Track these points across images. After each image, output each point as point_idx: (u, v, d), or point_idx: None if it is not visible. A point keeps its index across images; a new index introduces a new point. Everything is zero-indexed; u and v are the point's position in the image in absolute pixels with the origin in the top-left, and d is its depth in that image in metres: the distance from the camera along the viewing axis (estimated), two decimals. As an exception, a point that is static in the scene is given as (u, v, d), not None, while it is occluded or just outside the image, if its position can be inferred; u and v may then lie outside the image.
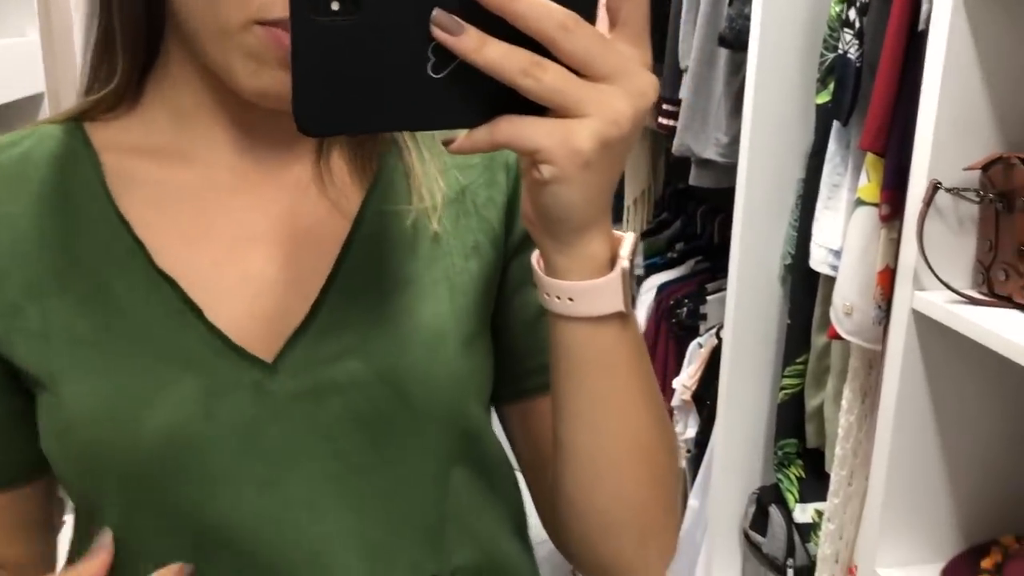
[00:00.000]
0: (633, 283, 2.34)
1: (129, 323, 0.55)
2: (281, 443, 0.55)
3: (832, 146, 1.32)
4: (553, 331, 0.52)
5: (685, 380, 1.80)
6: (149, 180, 0.58)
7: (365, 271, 0.58)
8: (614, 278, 0.49)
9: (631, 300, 0.52)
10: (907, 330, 1.07)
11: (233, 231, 0.58)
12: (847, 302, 1.26)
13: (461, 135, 0.44)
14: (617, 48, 0.44)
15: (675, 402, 1.85)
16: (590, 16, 0.43)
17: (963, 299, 1.02)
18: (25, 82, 1.46)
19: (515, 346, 0.64)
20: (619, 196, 2.31)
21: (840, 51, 1.25)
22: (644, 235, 2.34)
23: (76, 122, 0.60)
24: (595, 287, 0.50)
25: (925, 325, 1.06)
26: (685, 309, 1.91)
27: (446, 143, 0.45)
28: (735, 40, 1.49)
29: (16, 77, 1.44)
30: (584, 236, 0.48)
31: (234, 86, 0.52)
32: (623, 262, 0.50)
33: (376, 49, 0.41)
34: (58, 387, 0.55)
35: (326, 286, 0.57)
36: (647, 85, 0.44)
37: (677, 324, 1.93)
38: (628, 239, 0.51)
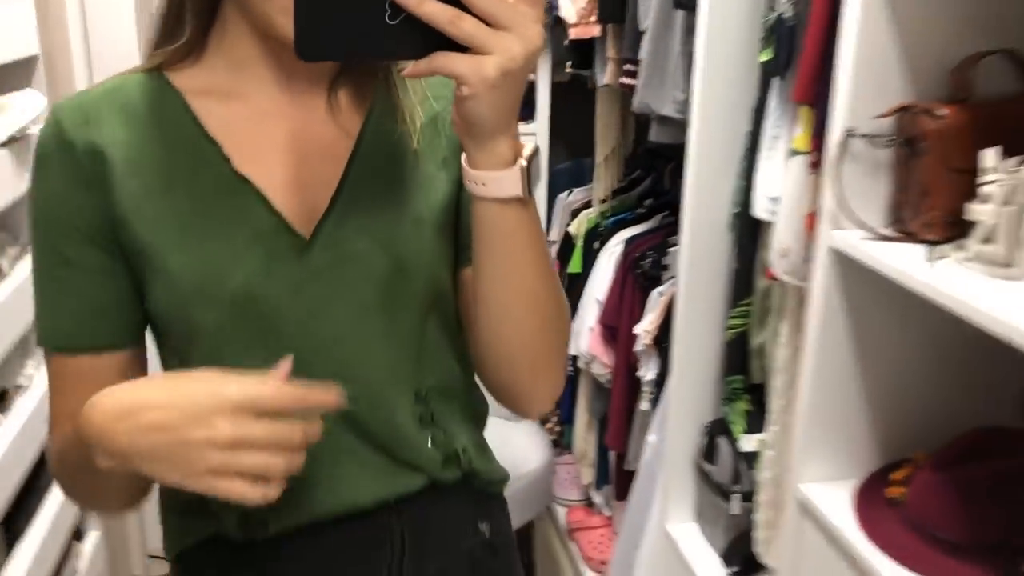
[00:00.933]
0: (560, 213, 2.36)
1: (216, 211, 0.79)
2: (317, 294, 0.81)
3: (772, 101, 1.42)
4: (474, 209, 0.76)
5: (646, 326, 1.91)
6: (216, 111, 0.80)
7: (366, 176, 0.83)
8: (515, 171, 0.72)
9: (529, 192, 0.74)
10: (826, 266, 1.18)
11: (277, 146, 0.81)
12: (783, 245, 1.38)
13: (410, 65, 0.66)
14: (516, 7, 0.65)
15: (638, 347, 1.97)
16: None
17: (873, 236, 1.13)
18: (19, 44, 1.55)
19: (460, 228, 0.87)
20: (591, 154, 2.42)
21: (777, 12, 1.35)
22: (616, 192, 2.45)
23: (156, 71, 0.81)
24: (500, 176, 0.72)
25: (841, 261, 1.17)
26: (649, 260, 2.02)
27: (400, 70, 0.68)
28: (689, 2, 1.58)
29: (10, 39, 1.53)
30: (493, 138, 0.70)
31: (273, 34, 0.73)
32: (522, 161, 0.72)
33: (350, 2, 0.63)
34: (167, 260, 0.78)
35: (339, 186, 0.81)
36: (536, 35, 0.65)
37: (642, 274, 2.04)
38: (529, 146, 0.73)
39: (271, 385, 0.69)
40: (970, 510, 1.11)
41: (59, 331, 0.82)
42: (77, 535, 1.56)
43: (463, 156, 0.74)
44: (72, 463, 0.80)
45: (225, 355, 0.79)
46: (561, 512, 2.62)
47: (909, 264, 1.04)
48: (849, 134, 1.11)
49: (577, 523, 2.50)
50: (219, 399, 0.67)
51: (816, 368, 1.22)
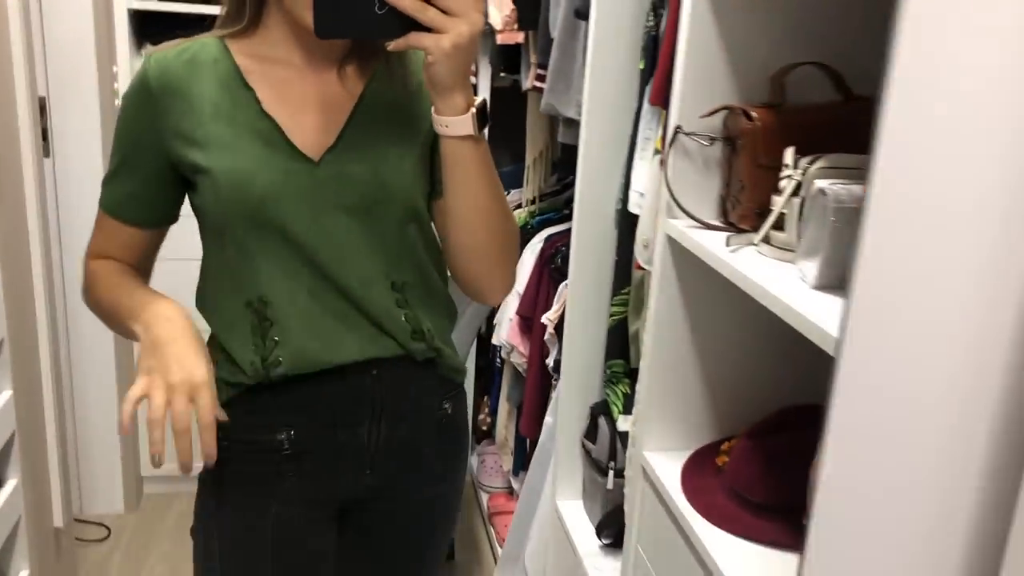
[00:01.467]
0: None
1: (248, 137, 1.09)
2: (322, 201, 1.10)
3: (645, 105, 1.55)
4: (440, 146, 1.08)
5: (550, 315, 2.04)
6: (256, 71, 1.12)
7: (364, 123, 1.13)
8: (468, 116, 1.05)
9: (479, 132, 1.06)
10: (662, 253, 1.31)
11: (297, 98, 1.12)
12: (644, 236, 1.50)
13: (393, 42, 0.99)
14: (464, 2, 0.97)
15: (546, 336, 2.09)
16: None
17: (700, 225, 1.25)
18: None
19: (434, 167, 1.16)
20: (522, 156, 2.55)
21: (647, 26, 1.49)
22: (547, 195, 2.57)
23: (219, 39, 1.13)
24: (458, 120, 1.05)
25: (674, 248, 1.29)
26: (560, 256, 2.15)
27: (387, 45, 1.01)
28: (586, 13, 1.72)
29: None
30: (451, 92, 1.03)
31: (300, 23, 1.04)
32: (472, 109, 1.05)
33: None
34: (212, 166, 1.08)
35: (343, 128, 1.12)
36: (478, 19, 0.99)
37: (555, 269, 2.16)
38: (479, 100, 1.06)
39: (206, 399, 1.02)
40: (775, 475, 1.23)
41: (112, 202, 1.17)
42: (-5, 481, 1.68)
43: (432, 108, 1.06)
44: (102, 299, 1.16)
45: (249, 241, 1.10)
46: (485, 498, 2.74)
47: (716, 250, 1.16)
48: (677, 131, 1.24)
49: (497, 508, 2.62)
50: (188, 376, 1.02)
51: (655, 345, 1.34)
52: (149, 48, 1.93)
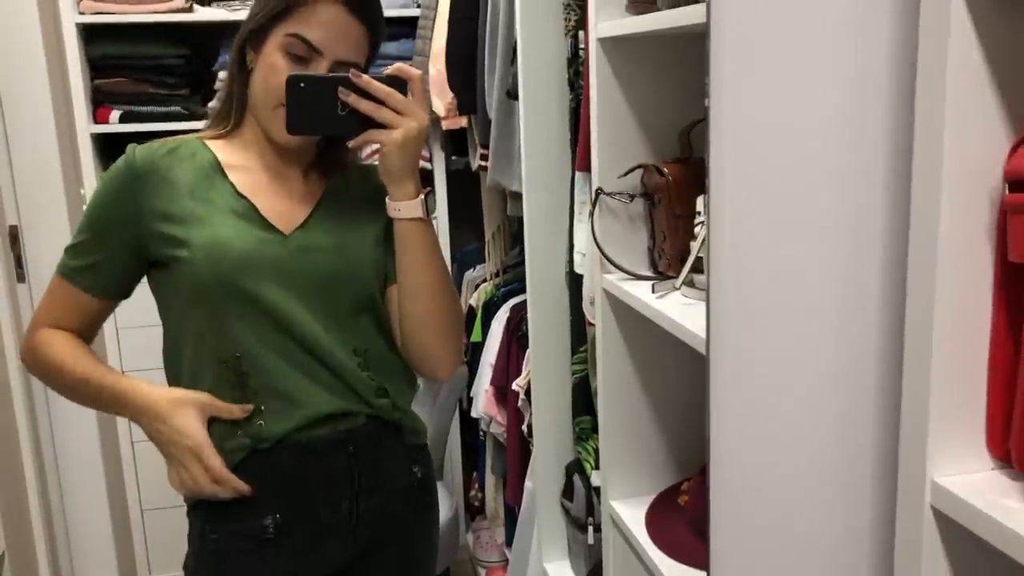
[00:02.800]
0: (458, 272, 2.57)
1: (225, 213, 1.20)
2: (291, 269, 1.21)
3: (577, 173, 1.64)
4: (395, 228, 1.23)
5: (520, 381, 2.09)
6: (233, 165, 1.24)
7: (329, 210, 1.27)
8: (418, 201, 1.21)
9: (429, 216, 1.23)
10: (601, 306, 1.38)
11: (270, 189, 1.24)
12: (589, 294, 1.57)
13: (354, 139, 1.17)
14: (411, 103, 1.16)
15: (519, 403, 2.14)
16: (402, 90, 1.16)
17: (632, 277, 1.33)
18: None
19: (388, 257, 1.28)
20: (482, 232, 2.64)
21: (569, 100, 1.59)
22: (511, 267, 2.65)
23: (200, 140, 1.26)
24: (409, 203, 1.21)
25: (611, 300, 1.36)
26: (525, 323, 2.21)
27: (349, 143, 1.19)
28: (516, 93, 1.82)
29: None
30: (403, 180, 1.20)
31: (271, 135, 1.21)
32: (421, 196, 1.21)
33: (318, 102, 1.14)
34: (190, 237, 1.18)
35: (311, 214, 1.25)
36: (424, 116, 1.17)
37: (522, 336, 2.23)
38: (426, 191, 1.23)
39: (210, 458, 1.20)
40: (731, 507, 1.28)
41: (74, 269, 1.24)
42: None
43: (387, 196, 1.21)
44: (62, 367, 1.25)
45: (223, 306, 1.19)
46: (483, 573, 2.75)
47: (645, 297, 1.23)
48: (599, 192, 1.33)
49: (495, 581, 2.62)
50: (195, 446, 1.19)
51: (606, 396, 1.41)
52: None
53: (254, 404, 1.21)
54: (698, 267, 1.20)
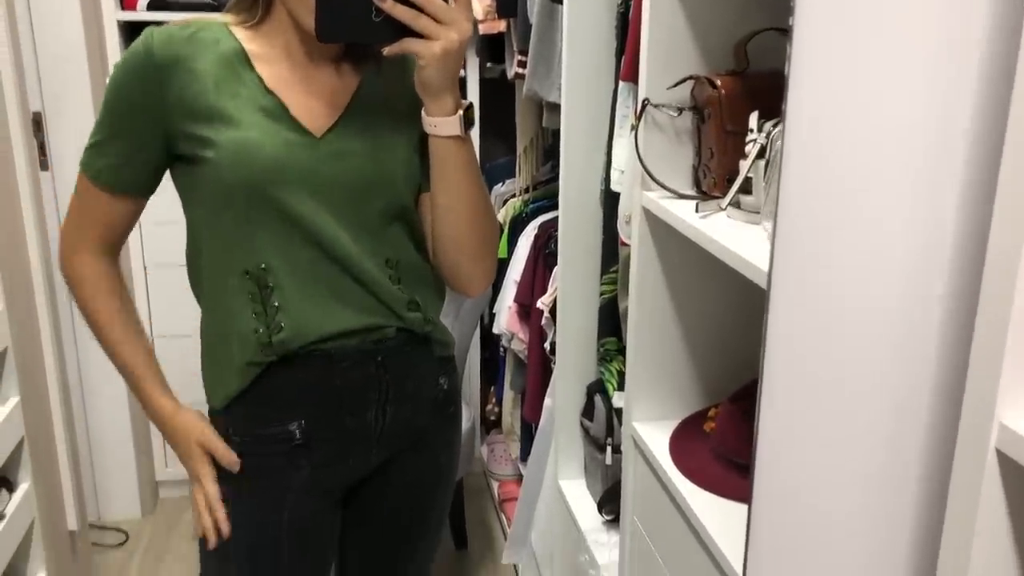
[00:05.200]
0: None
1: (253, 110, 1.12)
2: (321, 176, 1.14)
3: (620, 83, 1.57)
4: (429, 145, 1.15)
5: (545, 299, 2.06)
6: (260, 57, 1.15)
7: (362, 110, 1.17)
8: (456, 117, 1.12)
9: (468, 132, 1.14)
10: (640, 225, 1.33)
11: (300, 84, 1.16)
12: (626, 212, 1.52)
13: (388, 47, 1.05)
14: (453, 9, 1.04)
15: (543, 321, 2.11)
16: None
17: (674, 195, 1.27)
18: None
19: (422, 162, 1.20)
20: (515, 148, 2.57)
21: (618, 5, 1.50)
22: (541, 184, 2.59)
23: (224, 26, 1.16)
24: (446, 120, 1.12)
25: (650, 219, 1.31)
26: (553, 241, 2.17)
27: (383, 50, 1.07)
28: (561, -3, 1.74)
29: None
30: (440, 95, 1.11)
31: (302, 25, 1.09)
32: (460, 112, 1.12)
33: (351, 6, 1.03)
34: (216, 138, 1.11)
35: (343, 113, 1.16)
36: (466, 27, 1.05)
37: (549, 254, 2.19)
38: (466, 103, 1.13)
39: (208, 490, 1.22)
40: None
41: (101, 168, 1.17)
42: (8, 484, 1.72)
43: (423, 108, 1.13)
44: (86, 315, 1.24)
45: (248, 213, 1.13)
46: (495, 486, 2.76)
47: (688, 217, 1.18)
48: (646, 104, 1.26)
49: (507, 495, 2.64)
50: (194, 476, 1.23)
51: (638, 317, 1.36)
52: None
53: (277, 320, 1.16)
54: (746, 188, 1.14)
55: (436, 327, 1.28)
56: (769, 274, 0.70)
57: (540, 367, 2.23)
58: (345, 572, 1.41)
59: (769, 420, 0.73)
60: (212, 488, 1.21)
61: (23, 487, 1.76)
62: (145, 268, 2.70)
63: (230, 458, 1.20)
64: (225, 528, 1.21)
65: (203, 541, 1.26)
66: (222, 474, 1.23)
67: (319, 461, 1.22)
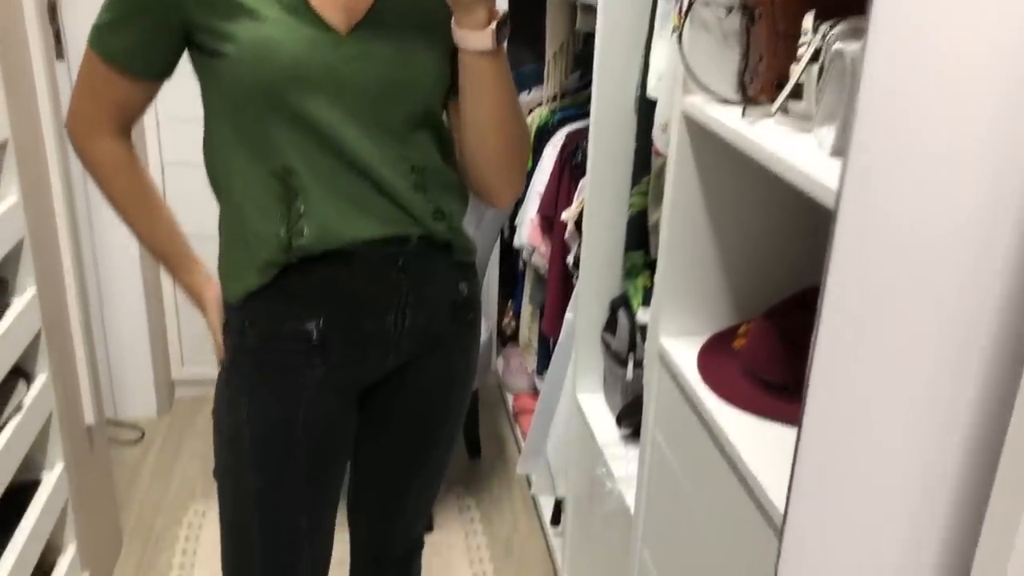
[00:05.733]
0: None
1: (274, 5, 1.06)
2: (345, 77, 1.08)
3: (663, -19, 1.49)
4: (459, 57, 1.11)
5: (570, 211, 2.01)
6: None
7: (390, 8, 1.10)
8: (488, 31, 1.07)
9: (498, 46, 1.08)
10: (679, 131, 1.27)
11: None
12: (663, 120, 1.46)
13: None
14: None
15: (567, 234, 2.07)
16: None
17: (718, 100, 1.21)
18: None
19: (453, 71, 1.16)
20: (544, 55, 2.48)
21: None
22: (569, 93, 2.52)
23: None
24: (478, 34, 1.07)
25: (691, 125, 1.25)
26: (581, 152, 2.11)
27: None
28: None
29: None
30: (473, 7, 1.06)
31: None
32: (492, 25, 1.06)
33: None
34: (237, 34, 1.05)
35: (370, 10, 1.09)
36: None
37: (575, 166, 2.13)
38: (501, 13, 1.07)
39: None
40: (792, 355, 1.21)
41: (114, 49, 1.11)
42: (25, 376, 1.71)
43: (452, 19, 1.07)
44: (102, 187, 1.21)
45: (269, 115, 1.08)
46: (510, 398, 2.76)
47: (733, 123, 1.12)
48: (692, 1, 1.19)
49: (521, 407, 2.64)
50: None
51: (670, 229, 1.32)
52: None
53: (300, 225, 1.12)
54: (797, 93, 1.08)
55: (459, 234, 1.24)
56: (840, 187, 0.66)
57: (561, 281, 2.19)
58: (359, 474, 1.41)
59: (827, 341, 0.69)
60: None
61: (41, 379, 1.76)
62: (163, 166, 2.66)
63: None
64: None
65: (218, 438, 1.25)
66: (238, 369, 1.21)
67: (336, 361, 1.20)
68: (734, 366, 1.28)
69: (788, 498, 0.74)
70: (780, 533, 0.77)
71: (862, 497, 0.72)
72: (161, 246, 1.24)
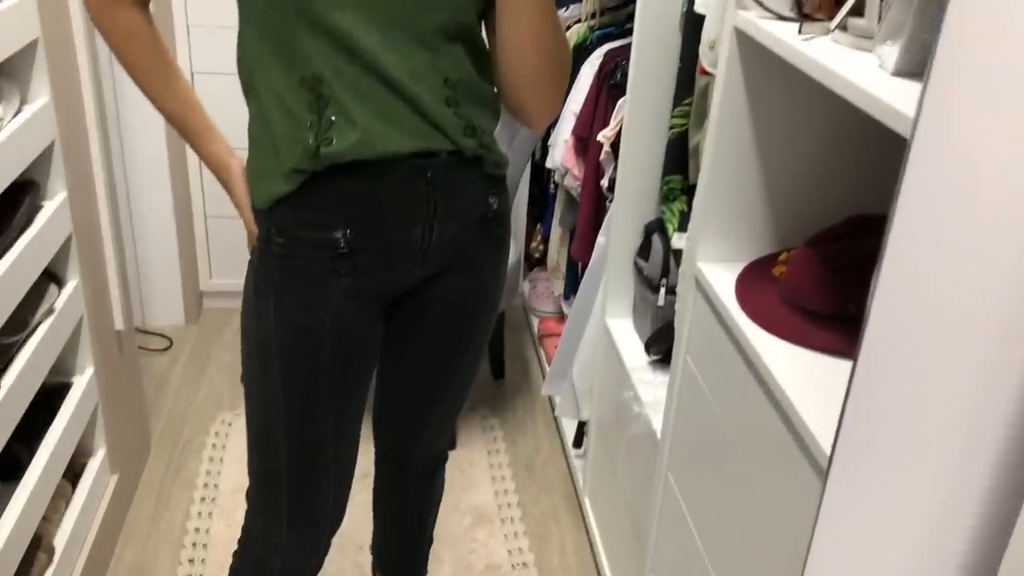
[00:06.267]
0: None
1: None
2: None
3: None
4: None
5: (607, 132, 1.96)
6: None
7: None
8: None
9: None
10: (730, 47, 1.22)
11: None
12: (710, 36, 1.41)
13: None
14: None
15: (602, 156, 2.02)
16: None
17: (773, 16, 1.16)
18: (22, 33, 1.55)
19: None
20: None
21: None
22: (609, 10, 2.43)
23: None
24: None
25: (743, 41, 1.20)
26: (619, 71, 2.05)
27: None
28: None
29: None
30: None
31: None
32: None
33: None
34: None
35: None
36: None
37: (613, 86, 2.07)
38: None
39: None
40: (835, 283, 1.18)
41: None
42: (56, 280, 1.72)
43: None
44: (152, 93, 1.20)
45: (299, 29, 1.06)
46: (535, 322, 2.76)
47: (789, 39, 1.07)
48: (752, -91, 1.13)
49: (546, 331, 2.63)
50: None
51: (714, 151, 1.28)
52: None
53: (328, 134, 1.10)
54: (857, 9, 1.03)
55: (490, 149, 1.21)
56: (918, 111, 0.62)
57: (593, 204, 2.15)
58: (385, 387, 1.41)
59: (892, 266, 0.67)
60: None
61: (72, 283, 1.76)
62: (192, 76, 2.62)
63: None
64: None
65: (246, 344, 1.25)
66: (265, 275, 1.20)
67: (363, 270, 1.19)
68: (773, 293, 1.26)
69: (837, 435, 0.72)
70: (827, 470, 0.75)
71: (912, 440, 0.70)
72: (181, 115, 1.22)
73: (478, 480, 2.28)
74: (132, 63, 1.19)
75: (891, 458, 0.72)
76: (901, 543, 0.74)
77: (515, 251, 2.51)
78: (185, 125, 1.23)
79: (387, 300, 1.26)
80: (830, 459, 0.72)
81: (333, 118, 1.10)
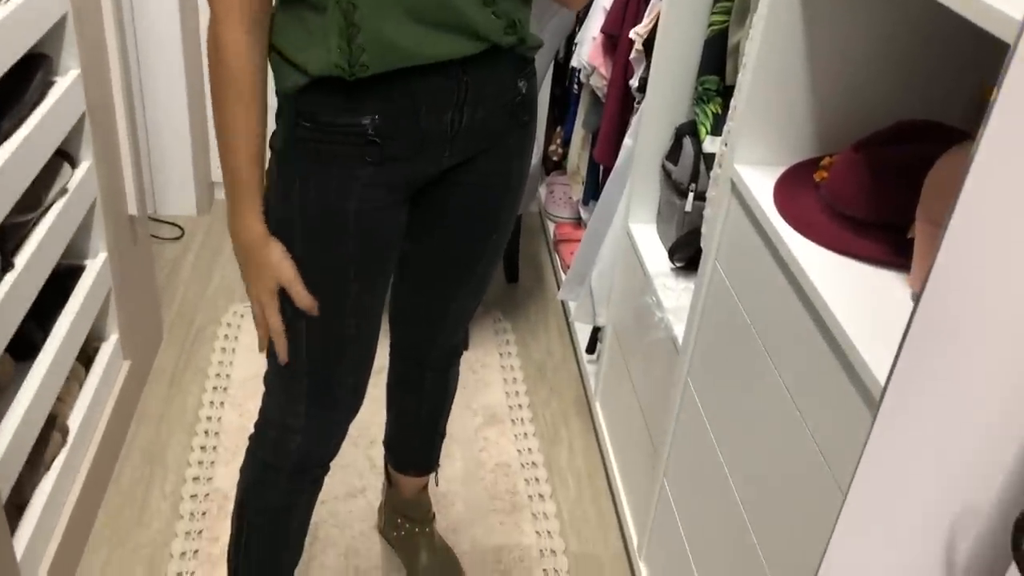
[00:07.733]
0: None
1: None
2: None
3: None
4: None
5: (639, 29, 1.88)
6: None
7: None
8: None
9: None
10: (786, -65, 1.15)
11: None
12: (762, -75, 1.32)
13: None
14: None
15: (632, 55, 1.95)
16: None
17: (837, -99, 1.08)
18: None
19: None
20: None
21: None
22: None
23: None
24: None
25: (801, -71, 1.13)
26: (656, -36, 1.95)
27: None
28: None
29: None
30: None
31: None
32: None
33: None
34: None
35: None
36: None
37: (648, -20, 1.98)
38: None
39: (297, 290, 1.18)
40: (880, 190, 1.14)
41: None
42: (70, 160, 1.68)
43: None
44: (223, 103, 1.11)
45: None
46: (551, 227, 2.72)
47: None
48: None
49: (563, 236, 2.60)
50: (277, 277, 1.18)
51: (759, 50, 1.22)
52: None
53: (361, 60, 1.06)
54: None
55: (526, 37, 1.17)
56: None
57: (619, 105, 2.09)
58: (405, 276, 1.39)
59: (976, 184, 0.62)
60: (276, 320, 1.21)
61: (85, 164, 1.72)
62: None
63: (308, 302, 1.18)
64: (283, 353, 1.23)
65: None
66: (291, 158, 1.16)
67: (390, 156, 1.15)
68: (813, 199, 1.22)
69: (896, 360, 0.69)
70: (882, 394, 0.72)
71: (975, 371, 0.67)
72: (242, 174, 1.14)
73: (490, 381, 2.28)
74: (230, 113, 1.11)
75: (951, 388, 0.69)
76: (953, 475, 0.72)
77: (536, 153, 2.45)
78: (237, 183, 1.15)
79: (413, 188, 1.23)
80: (882, 395, 0.69)
81: (364, 47, 1.06)
